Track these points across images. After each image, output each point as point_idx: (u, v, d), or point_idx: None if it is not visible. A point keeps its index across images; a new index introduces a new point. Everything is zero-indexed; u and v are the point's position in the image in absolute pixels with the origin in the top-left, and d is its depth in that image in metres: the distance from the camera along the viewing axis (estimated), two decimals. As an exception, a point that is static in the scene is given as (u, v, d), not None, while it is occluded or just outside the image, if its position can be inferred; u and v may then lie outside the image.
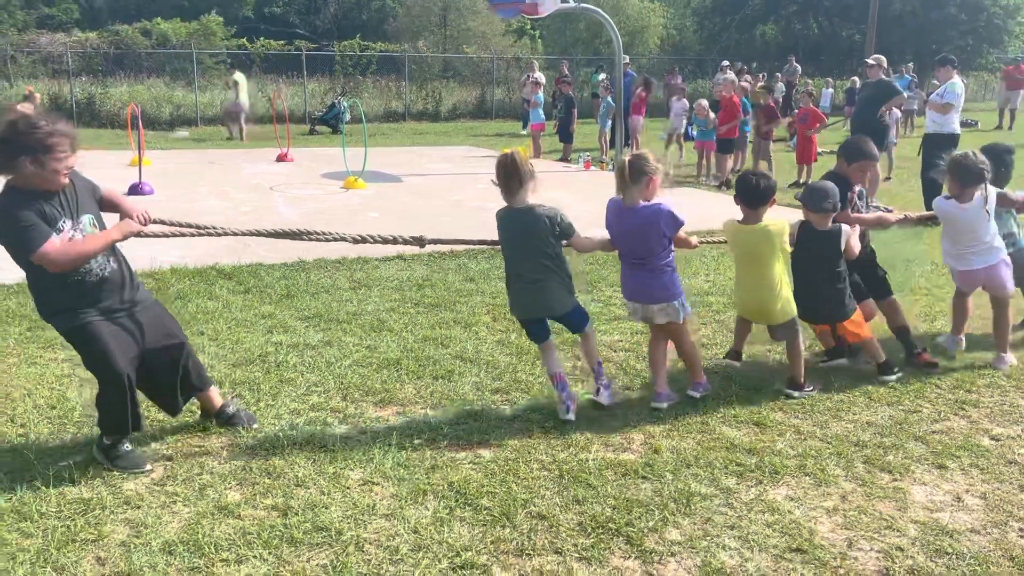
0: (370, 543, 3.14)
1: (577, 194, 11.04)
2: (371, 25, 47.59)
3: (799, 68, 27.69)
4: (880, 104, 10.80)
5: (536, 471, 3.72)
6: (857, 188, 5.03)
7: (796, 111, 18.53)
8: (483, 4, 34.09)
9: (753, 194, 4.46)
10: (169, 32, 28.81)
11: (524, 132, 21.39)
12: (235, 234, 4.45)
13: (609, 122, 16.45)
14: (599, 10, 13.51)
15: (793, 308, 4.58)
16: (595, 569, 3.01)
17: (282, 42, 27.95)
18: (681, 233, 4.37)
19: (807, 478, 3.68)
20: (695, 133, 14.42)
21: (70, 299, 3.52)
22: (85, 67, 23.60)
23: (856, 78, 22.98)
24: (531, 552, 3.10)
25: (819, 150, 13.47)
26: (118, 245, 3.68)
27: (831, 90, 25.41)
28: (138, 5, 43.88)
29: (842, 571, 3.02)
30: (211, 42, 30.37)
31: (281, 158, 14.84)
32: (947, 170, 5.02)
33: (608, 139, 16.42)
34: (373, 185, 12.02)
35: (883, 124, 11.12)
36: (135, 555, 3.02)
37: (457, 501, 3.44)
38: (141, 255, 7.19)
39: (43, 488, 3.46)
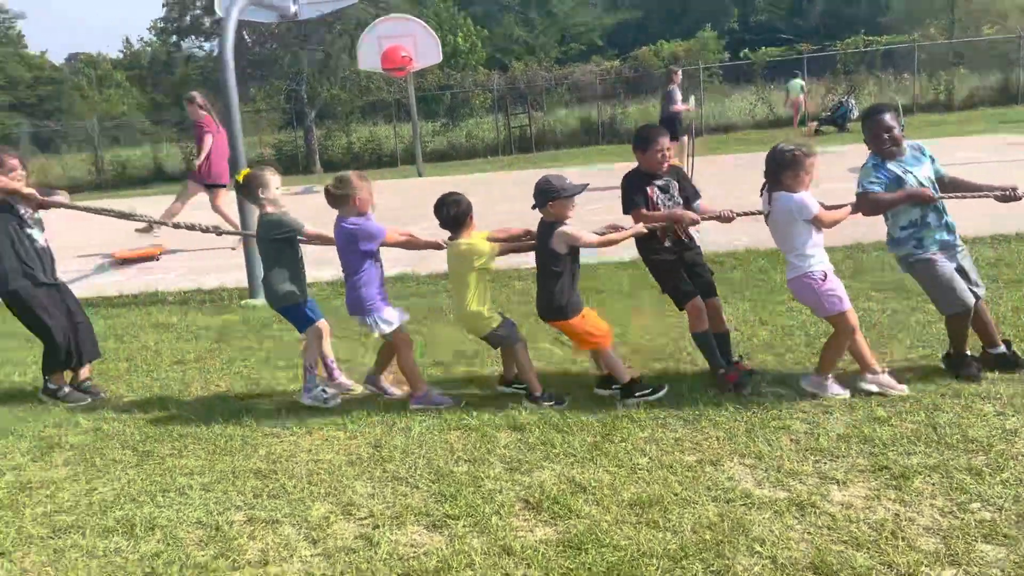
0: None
1: None
2: (860, 20, 45.67)
3: None
4: None
5: None
6: (660, 182, 4.55)
7: None
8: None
9: (445, 221, 4.64)
10: (678, 51, 31.58)
11: (1067, 115, 18.92)
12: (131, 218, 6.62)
13: None
14: None
15: (492, 322, 4.65)
16: None
17: (784, 47, 28.64)
18: (396, 237, 4.79)
19: None
20: None
21: None
22: (608, 91, 27.10)
23: None
24: None
25: None
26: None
27: None
28: (635, 33, 48.63)
29: None
30: (705, 57, 32.40)
31: (799, 157, 15.51)
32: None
33: None
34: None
35: None
36: (821, 439, 3.99)
37: None
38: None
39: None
